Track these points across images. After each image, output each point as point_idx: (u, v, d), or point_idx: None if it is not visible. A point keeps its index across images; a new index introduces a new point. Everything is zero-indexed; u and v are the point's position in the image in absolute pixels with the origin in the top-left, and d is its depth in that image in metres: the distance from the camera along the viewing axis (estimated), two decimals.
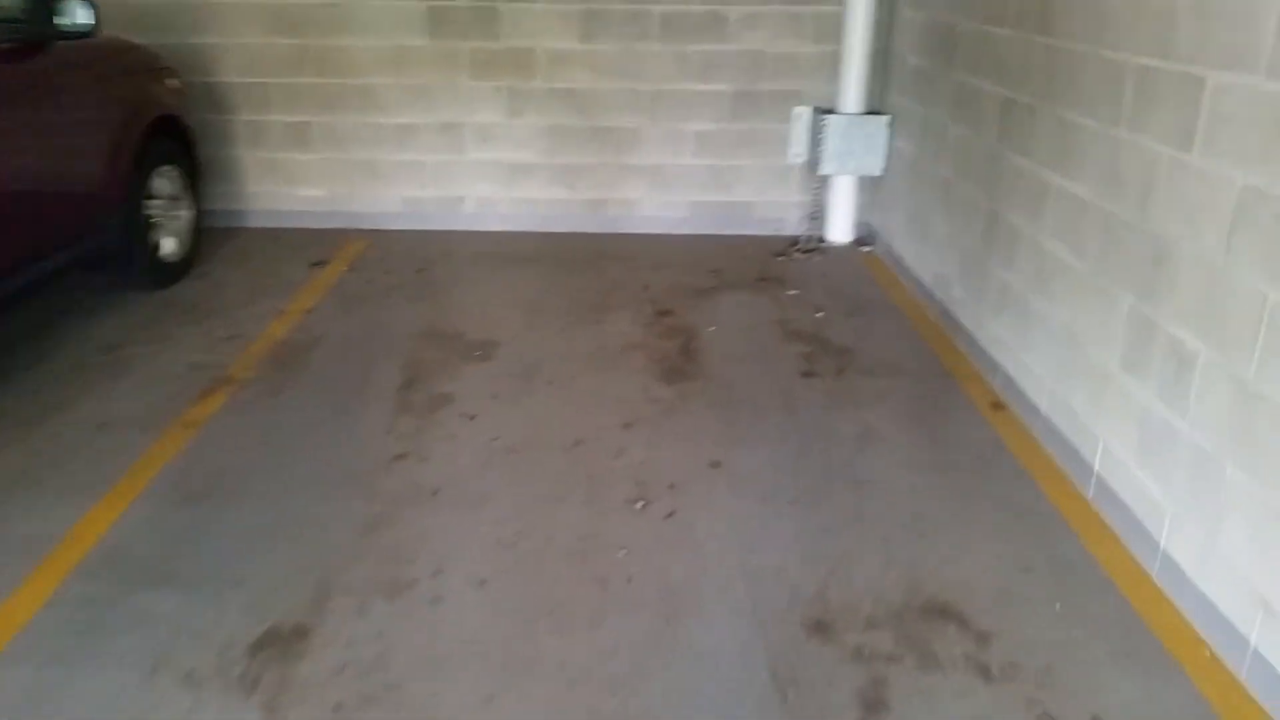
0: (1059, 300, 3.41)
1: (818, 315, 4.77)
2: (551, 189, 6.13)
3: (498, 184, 6.12)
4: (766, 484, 3.26)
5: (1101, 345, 3.10)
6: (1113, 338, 3.03)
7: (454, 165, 6.08)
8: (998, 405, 3.83)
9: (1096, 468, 3.13)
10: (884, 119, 5.63)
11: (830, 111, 5.81)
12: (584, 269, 5.48)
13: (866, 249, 5.92)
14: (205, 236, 5.53)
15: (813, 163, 5.90)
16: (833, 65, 5.87)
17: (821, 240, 5.97)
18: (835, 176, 5.84)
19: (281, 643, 2.49)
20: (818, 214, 5.94)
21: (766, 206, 6.19)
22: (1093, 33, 3.18)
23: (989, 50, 4.06)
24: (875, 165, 5.70)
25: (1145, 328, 2.85)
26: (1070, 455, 3.29)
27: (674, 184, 6.13)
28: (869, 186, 6.02)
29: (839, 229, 6.03)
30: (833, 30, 5.81)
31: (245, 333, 4.44)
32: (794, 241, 5.97)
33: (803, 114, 5.97)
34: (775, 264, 5.63)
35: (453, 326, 4.58)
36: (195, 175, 5.29)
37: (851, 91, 5.70)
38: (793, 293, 5.11)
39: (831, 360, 4.23)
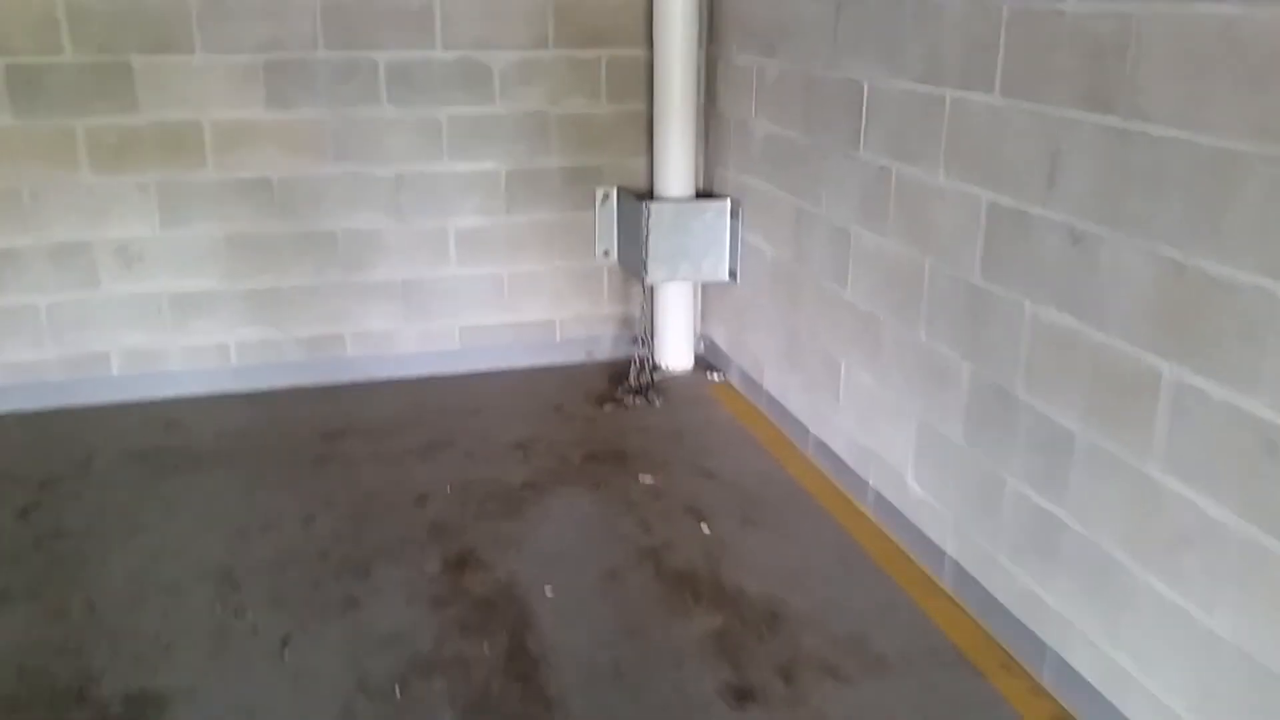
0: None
1: (704, 530, 3.09)
2: (246, 328, 4.06)
3: (158, 329, 3.97)
4: None
5: None
6: None
7: (84, 307, 3.87)
8: None
9: None
10: (724, 204, 4.06)
11: (648, 196, 4.17)
12: (312, 468, 3.48)
13: (715, 376, 4.32)
14: None
15: (627, 261, 4.24)
16: (641, 131, 4.24)
17: (655, 370, 4.30)
18: (663, 284, 4.20)
19: None
20: (643, 330, 4.26)
21: (571, 324, 4.45)
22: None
23: (966, 130, 2.55)
24: (719, 268, 4.12)
25: None
26: None
27: (436, 305, 4.25)
28: (705, 287, 4.44)
29: (675, 351, 4.39)
30: (637, 84, 4.18)
31: None
32: (618, 378, 4.26)
33: (609, 197, 4.30)
34: (604, 419, 3.89)
35: (77, 664, 2.47)
36: None
37: (674, 167, 4.09)
38: (648, 481, 3.39)
39: (763, 649, 2.54)
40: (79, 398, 3.91)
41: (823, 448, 3.41)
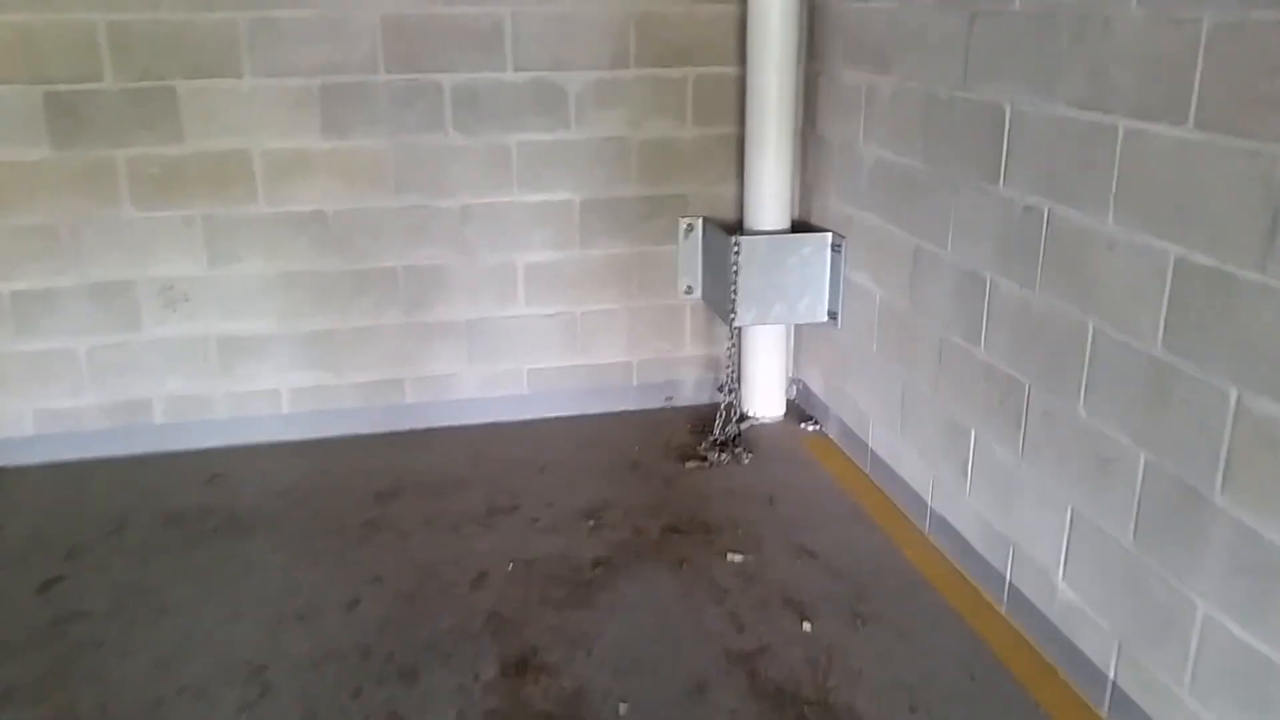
0: None
1: (805, 628, 2.63)
2: (299, 372, 3.74)
3: (204, 374, 3.67)
4: None
5: None
6: None
7: (125, 351, 3.58)
8: None
9: None
10: (824, 238, 3.60)
11: (737, 229, 3.74)
12: (361, 537, 3.12)
13: (810, 428, 3.87)
14: None
15: (713, 299, 3.81)
16: (731, 157, 3.82)
17: (742, 419, 3.86)
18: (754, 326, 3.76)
19: None
20: (729, 376, 3.83)
21: (649, 368, 4.04)
22: None
23: (1145, 169, 2.07)
24: (817, 309, 3.67)
25: None
26: None
27: (503, 346, 3.88)
28: (800, 327, 3.99)
29: (765, 398, 3.95)
30: (728, 103, 3.76)
31: None
32: (701, 428, 3.84)
33: (694, 229, 3.88)
34: (685, 479, 3.47)
35: None
36: None
37: (768, 196, 3.66)
38: (737, 560, 2.95)
39: None
40: (119, 448, 3.63)
41: (945, 527, 2.93)
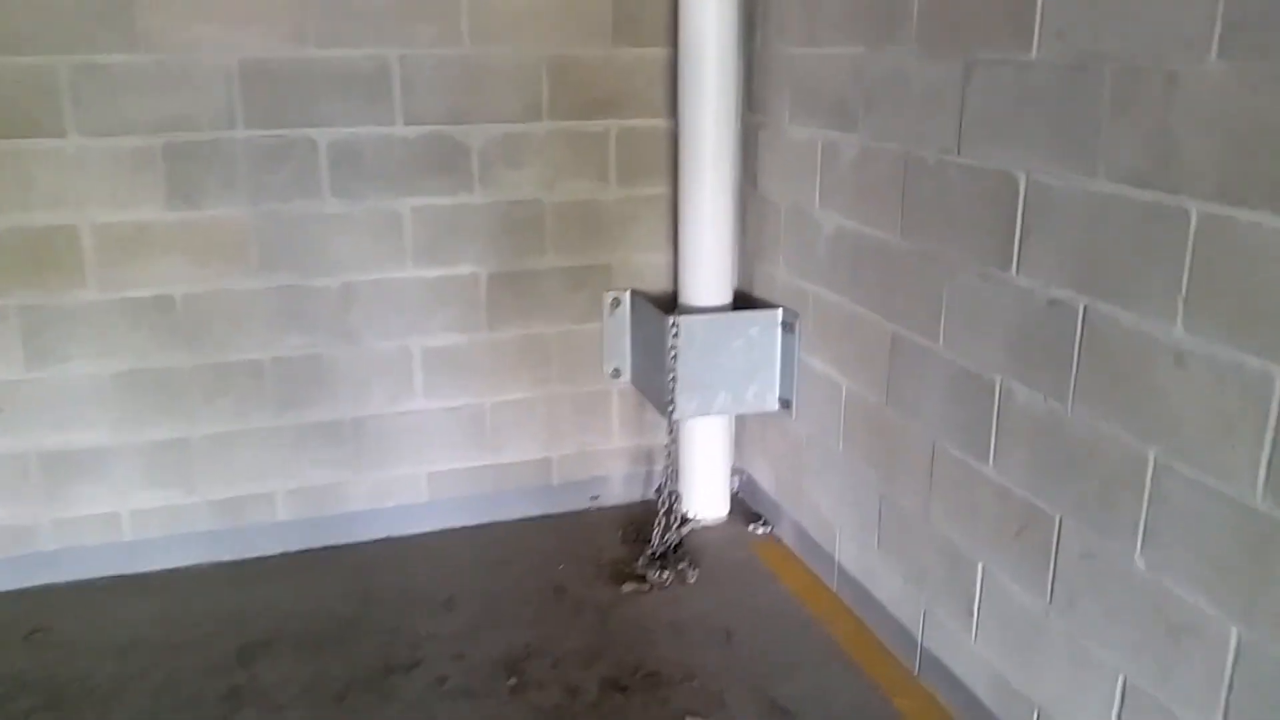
0: None
1: None
2: (143, 492, 3.05)
3: (25, 499, 2.95)
4: None
5: None
6: None
7: None
8: None
9: None
10: (774, 315, 3.12)
11: (672, 304, 3.24)
12: (219, 718, 2.45)
13: (762, 529, 3.36)
14: None
15: (644, 384, 3.29)
16: (662, 221, 3.32)
17: (683, 522, 3.32)
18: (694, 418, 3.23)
19: None
20: (667, 474, 3.29)
21: (572, 464, 3.48)
22: None
23: (1232, 267, 1.62)
24: (767, 398, 3.17)
25: None
26: None
27: (398, 448, 3.26)
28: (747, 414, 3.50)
29: (706, 496, 3.43)
30: (657, 160, 3.26)
31: None
32: (635, 534, 3.29)
33: (620, 303, 3.35)
34: (623, 608, 2.91)
35: None
36: None
37: (706, 266, 3.16)
38: None
39: None
40: None
41: (942, 672, 2.44)
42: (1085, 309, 1.88)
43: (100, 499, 3.02)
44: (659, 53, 3.16)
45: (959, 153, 2.19)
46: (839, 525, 2.90)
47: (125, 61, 2.74)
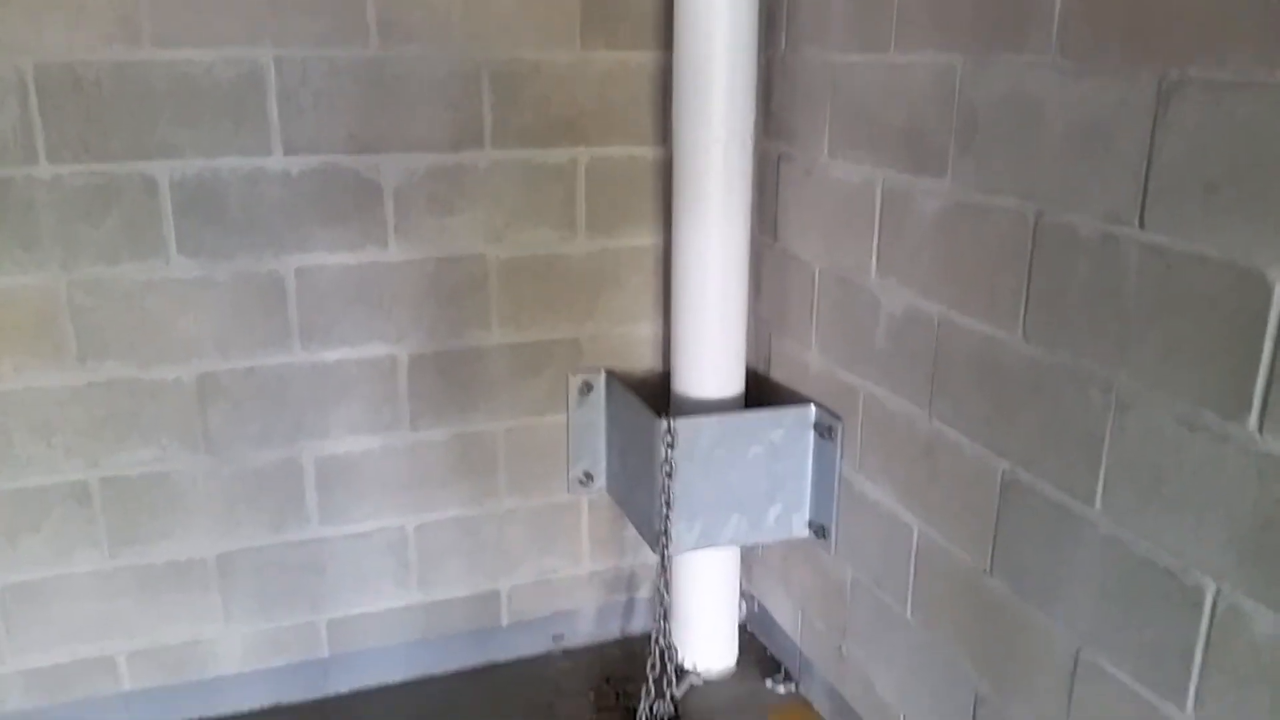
0: None
1: None
2: None
3: None
4: None
5: None
6: None
7: None
8: None
9: None
10: (804, 414, 2.30)
11: (662, 396, 2.42)
12: None
13: (783, 688, 2.55)
14: None
15: (621, 492, 2.47)
16: (650, 281, 2.50)
17: (681, 675, 2.48)
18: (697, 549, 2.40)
19: None
20: (659, 615, 2.46)
21: (527, 597, 2.64)
22: None
23: None
24: (793, 521, 2.35)
25: None
26: None
27: (287, 590, 2.40)
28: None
29: (710, 641, 2.61)
30: (640, 203, 2.43)
31: None
32: (614, 692, 2.47)
33: (592, 389, 2.52)
34: None
35: None
36: None
37: (711, 345, 2.34)
38: None
39: None
40: None
41: None
42: None
43: None
44: (645, 57, 2.32)
45: (1142, 224, 1.39)
46: (905, 713, 2.10)
47: None
